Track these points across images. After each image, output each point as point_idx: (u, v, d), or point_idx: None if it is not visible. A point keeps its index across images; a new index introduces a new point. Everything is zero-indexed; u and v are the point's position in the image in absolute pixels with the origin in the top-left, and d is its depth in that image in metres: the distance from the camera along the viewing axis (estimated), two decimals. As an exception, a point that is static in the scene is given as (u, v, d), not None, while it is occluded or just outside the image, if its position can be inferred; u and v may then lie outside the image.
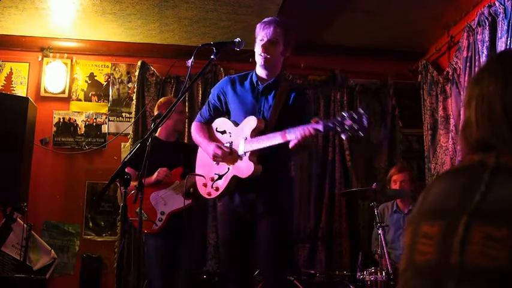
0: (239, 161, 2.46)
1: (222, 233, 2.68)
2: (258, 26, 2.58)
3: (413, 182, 4.08)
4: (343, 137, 2.04)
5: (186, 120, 4.63)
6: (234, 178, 2.47)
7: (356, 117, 1.96)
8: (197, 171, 2.74)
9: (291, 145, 2.25)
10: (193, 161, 3.97)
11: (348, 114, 2.00)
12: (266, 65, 2.54)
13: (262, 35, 2.53)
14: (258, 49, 2.54)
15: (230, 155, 2.53)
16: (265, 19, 2.59)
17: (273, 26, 2.51)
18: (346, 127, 1.97)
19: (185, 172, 3.75)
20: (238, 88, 2.66)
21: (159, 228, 3.58)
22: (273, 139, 2.32)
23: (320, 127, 2.09)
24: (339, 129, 2.00)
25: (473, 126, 0.97)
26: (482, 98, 0.97)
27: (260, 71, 2.62)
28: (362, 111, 1.96)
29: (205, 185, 2.64)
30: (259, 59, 2.53)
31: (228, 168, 2.51)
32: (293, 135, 2.21)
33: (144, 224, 3.42)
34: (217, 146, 2.55)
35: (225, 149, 2.53)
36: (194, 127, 2.80)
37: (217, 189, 2.54)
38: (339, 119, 2.01)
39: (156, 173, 3.60)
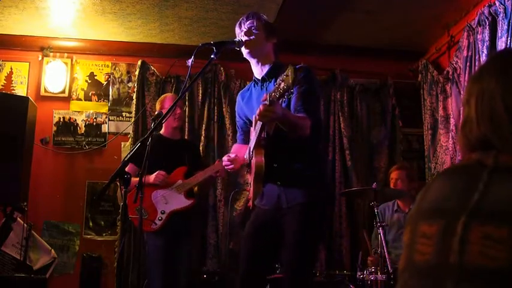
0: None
1: (246, 228, 2.65)
2: (235, 28, 2.59)
3: (412, 180, 4.09)
4: (286, 97, 2.10)
5: (186, 117, 4.65)
6: (254, 180, 2.44)
7: (285, 76, 2.00)
8: None
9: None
10: (198, 161, 3.98)
11: (280, 77, 2.04)
12: (252, 52, 2.51)
13: (241, 30, 2.54)
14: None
15: (233, 160, 2.53)
16: (239, 19, 2.60)
17: (246, 19, 2.55)
18: (281, 90, 2.02)
19: (189, 171, 3.76)
20: (246, 97, 2.68)
21: (158, 228, 3.58)
22: (253, 134, 2.34)
23: (266, 101, 2.11)
24: (277, 94, 2.04)
25: (473, 124, 0.97)
26: (482, 95, 0.97)
27: (255, 69, 2.60)
28: (292, 67, 2.01)
29: (249, 197, 2.64)
30: (244, 50, 2.52)
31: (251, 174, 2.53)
32: (258, 123, 2.24)
33: (143, 222, 3.42)
34: (227, 156, 2.58)
35: (226, 156, 2.57)
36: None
37: (250, 198, 2.54)
38: (276, 84, 2.06)
39: (154, 175, 3.60)
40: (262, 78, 2.56)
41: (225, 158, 2.58)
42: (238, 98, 2.76)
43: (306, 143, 2.43)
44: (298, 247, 2.38)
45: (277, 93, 2.03)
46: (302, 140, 2.37)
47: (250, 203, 2.55)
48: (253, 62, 2.58)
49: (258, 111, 2.13)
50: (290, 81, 1.96)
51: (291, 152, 2.44)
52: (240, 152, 2.66)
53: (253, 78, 2.64)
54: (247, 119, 2.68)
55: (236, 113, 2.79)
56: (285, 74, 2.00)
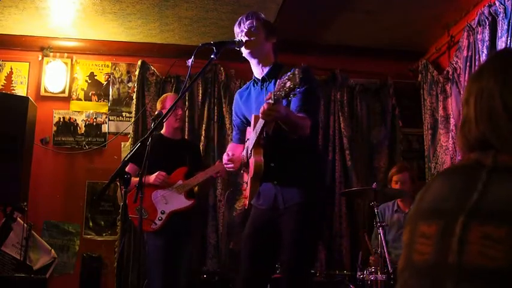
0: (250, 162, 2.46)
1: (245, 229, 2.65)
2: (234, 27, 2.58)
3: (414, 181, 4.08)
4: (289, 98, 2.09)
5: (186, 117, 4.65)
6: (252, 180, 2.44)
7: (291, 75, 2.00)
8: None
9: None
10: (199, 161, 3.99)
11: (285, 75, 2.03)
12: (253, 52, 2.51)
13: (241, 30, 2.52)
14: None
15: (232, 160, 2.53)
16: (239, 18, 2.59)
17: (246, 18, 2.54)
18: (287, 89, 2.01)
19: (189, 172, 3.76)
20: (245, 96, 2.68)
21: (158, 227, 3.58)
22: (253, 133, 2.34)
23: (271, 99, 2.10)
24: (283, 94, 2.03)
25: (472, 123, 0.97)
26: (482, 94, 0.97)
27: (255, 69, 2.60)
28: (296, 67, 2.02)
29: (245, 197, 2.64)
30: (244, 51, 2.51)
31: (248, 173, 2.52)
32: (260, 122, 2.23)
33: (143, 222, 3.42)
34: (226, 155, 2.57)
35: (226, 155, 2.56)
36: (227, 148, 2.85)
37: (246, 197, 2.54)
38: (281, 83, 2.05)
39: (154, 175, 3.60)
40: (262, 78, 2.55)
41: (224, 157, 2.58)
42: (236, 97, 2.76)
43: (304, 143, 2.43)
44: (296, 246, 2.39)
45: (283, 92, 2.02)
46: (301, 139, 2.36)
47: (247, 202, 2.55)
48: (253, 62, 2.58)
49: (261, 110, 2.12)
50: (297, 80, 1.96)
51: (289, 152, 2.43)
52: (236, 151, 2.65)
53: (253, 77, 2.64)
54: (245, 118, 2.68)
55: (233, 112, 2.79)
56: (290, 73, 1.99)
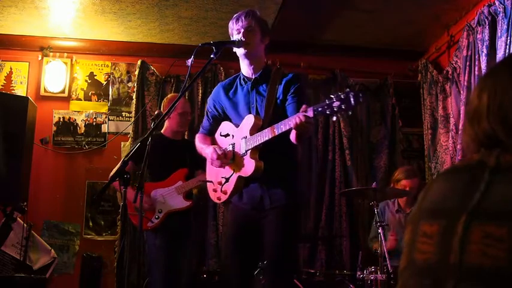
0: (242, 161, 2.47)
1: (228, 229, 2.68)
2: (230, 23, 2.57)
3: (420, 185, 4.05)
4: (333, 118, 2.03)
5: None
6: (240, 178, 2.48)
7: (343, 97, 1.95)
8: (208, 178, 2.73)
9: (291, 136, 2.29)
10: (199, 161, 3.98)
11: (335, 95, 1.99)
12: (248, 53, 2.50)
13: (237, 28, 2.51)
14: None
15: (225, 157, 2.52)
16: (235, 15, 2.57)
17: (244, 17, 2.52)
18: (335, 108, 1.97)
19: (190, 173, 3.76)
20: (230, 92, 2.67)
21: (155, 226, 3.59)
22: (264, 136, 2.34)
23: (310, 113, 2.08)
24: (328, 112, 1.99)
25: (483, 116, 0.96)
26: (495, 89, 0.96)
27: (245, 68, 2.60)
28: (349, 89, 1.96)
29: (215, 190, 2.63)
30: (240, 50, 2.51)
31: (234, 170, 2.52)
32: (282, 128, 2.22)
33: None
34: (214, 149, 2.55)
35: (220, 151, 2.53)
36: (196, 138, 2.82)
37: (225, 192, 2.55)
38: (327, 101, 2.00)
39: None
40: (255, 79, 2.56)
41: (217, 151, 2.52)
42: (220, 89, 2.72)
43: (291, 147, 2.44)
44: (283, 246, 2.44)
45: (328, 110, 1.99)
46: (289, 144, 2.37)
47: (224, 197, 2.56)
48: (245, 62, 2.58)
49: (297, 120, 2.11)
50: (352, 104, 1.91)
51: (277, 155, 2.45)
52: (207, 143, 2.69)
53: (241, 75, 2.64)
54: (223, 112, 2.69)
55: (211, 102, 2.76)
56: (343, 95, 1.95)
